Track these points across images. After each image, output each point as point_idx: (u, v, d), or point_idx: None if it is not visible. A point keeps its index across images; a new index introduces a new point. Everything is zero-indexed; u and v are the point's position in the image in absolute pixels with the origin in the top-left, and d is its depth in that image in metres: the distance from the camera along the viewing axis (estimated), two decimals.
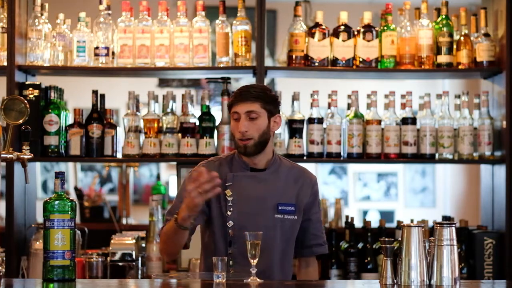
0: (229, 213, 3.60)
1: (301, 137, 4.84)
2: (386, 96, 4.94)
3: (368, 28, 4.85)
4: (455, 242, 3.14)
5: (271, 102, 3.61)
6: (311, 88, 4.90)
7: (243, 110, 3.58)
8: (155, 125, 4.80)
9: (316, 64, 4.84)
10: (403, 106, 4.91)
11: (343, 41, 4.84)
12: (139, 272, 4.58)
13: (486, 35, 4.86)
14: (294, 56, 4.84)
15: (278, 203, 3.62)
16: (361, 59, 4.84)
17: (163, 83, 8.59)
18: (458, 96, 4.95)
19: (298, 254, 3.75)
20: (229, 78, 4.91)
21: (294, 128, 4.83)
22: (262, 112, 3.58)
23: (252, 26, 4.86)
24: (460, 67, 4.87)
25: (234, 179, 3.63)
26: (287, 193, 3.65)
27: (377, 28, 4.88)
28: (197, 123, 4.82)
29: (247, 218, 3.58)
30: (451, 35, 4.86)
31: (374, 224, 4.90)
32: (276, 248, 3.59)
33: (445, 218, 4.99)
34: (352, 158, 4.86)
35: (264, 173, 3.65)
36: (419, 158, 4.87)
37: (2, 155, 3.40)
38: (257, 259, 3.28)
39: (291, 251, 3.68)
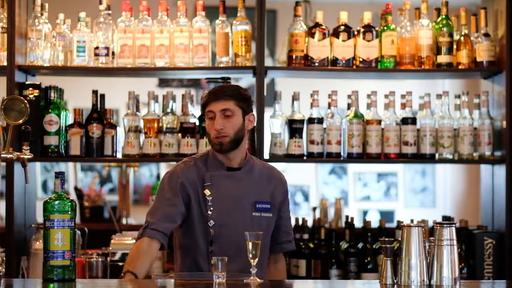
0: (209, 212, 3.65)
1: (301, 137, 4.84)
2: (386, 96, 4.93)
3: (368, 28, 4.85)
4: (455, 242, 3.14)
5: (244, 100, 3.67)
6: (311, 88, 4.90)
7: (218, 108, 3.63)
8: (155, 125, 4.80)
9: (316, 64, 4.83)
10: (403, 106, 4.91)
11: (343, 41, 4.84)
12: None
13: (486, 35, 4.85)
14: (294, 56, 4.83)
15: (255, 201, 3.69)
16: (361, 59, 4.84)
17: (163, 83, 8.58)
18: (458, 96, 4.95)
19: (270, 250, 3.80)
20: (229, 78, 4.91)
21: (294, 128, 4.83)
22: (236, 109, 3.64)
23: (252, 26, 4.86)
24: (460, 67, 4.86)
25: (212, 178, 3.68)
26: (262, 192, 3.73)
27: (377, 28, 4.88)
28: (197, 123, 4.82)
29: (226, 216, 3.64)
30: (451, 35, 4.86)
31: (374, 224, 4.90)
32: None
33: (445, 218, 4.99)
34: (352, 158, 4.86)
35: (240, 172, 3.71)
36: (419, 158, 4.87)
37: (2, 155, 3.40)
38: (257, 259, 3.28)
39: (267, 248, 3.74)
